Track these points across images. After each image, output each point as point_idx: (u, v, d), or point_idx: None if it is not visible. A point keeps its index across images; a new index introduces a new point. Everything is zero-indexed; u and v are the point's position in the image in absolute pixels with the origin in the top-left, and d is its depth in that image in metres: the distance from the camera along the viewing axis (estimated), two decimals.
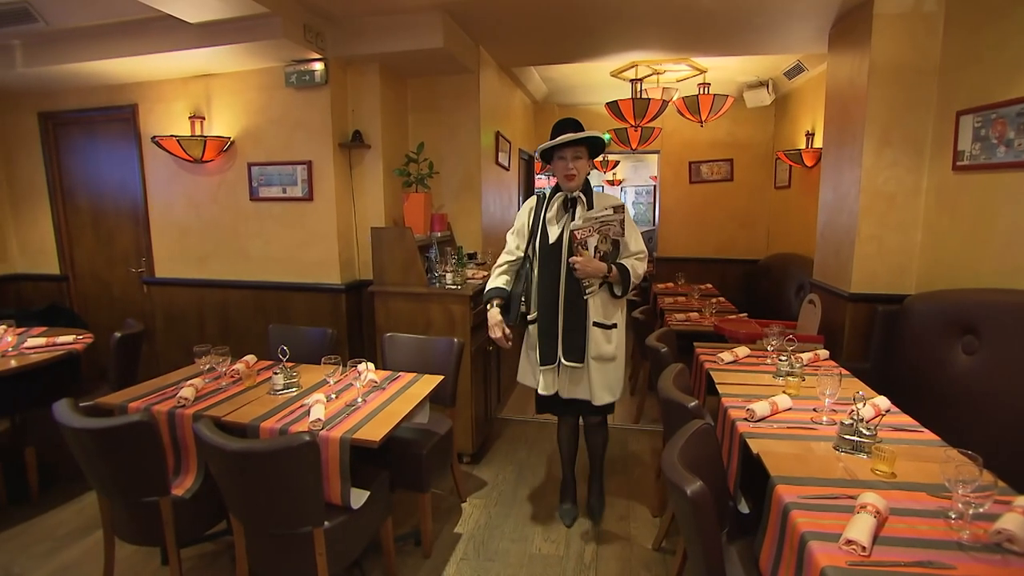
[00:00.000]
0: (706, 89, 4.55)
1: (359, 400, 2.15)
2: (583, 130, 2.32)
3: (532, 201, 2.51)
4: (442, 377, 2.44)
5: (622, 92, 5.05)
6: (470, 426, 3.17)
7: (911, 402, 2.14)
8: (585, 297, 2.31)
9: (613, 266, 2.28)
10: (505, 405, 4.22)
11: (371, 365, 2.40)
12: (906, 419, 1.92)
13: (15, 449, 2.96)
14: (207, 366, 2.41)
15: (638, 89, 4.70)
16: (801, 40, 3.81)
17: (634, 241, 2.36)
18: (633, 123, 4.63)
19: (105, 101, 3.86)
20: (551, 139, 2.32)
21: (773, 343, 2.55)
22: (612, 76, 4.97)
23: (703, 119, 4.44)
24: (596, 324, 2.34)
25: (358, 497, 1.96)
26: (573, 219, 2.31)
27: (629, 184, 11.96)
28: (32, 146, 4.09)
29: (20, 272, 4.27)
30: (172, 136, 3.44)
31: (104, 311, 4.12)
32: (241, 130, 3.55)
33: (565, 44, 3.93)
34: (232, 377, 2.39)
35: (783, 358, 2.31)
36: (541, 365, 2.38)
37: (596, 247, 2.25)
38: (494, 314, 2.41)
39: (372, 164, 3.54)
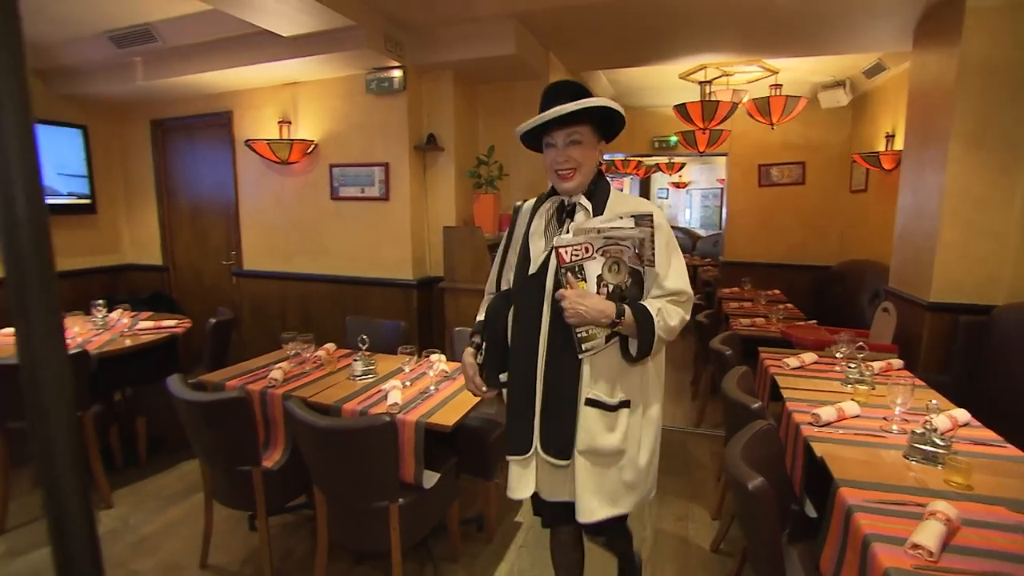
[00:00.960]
0: (778, 91, 4.45)
1: (432, 388, 2.29)
2: (585, 96, 1.44)
3: (526, 205, 1.69)
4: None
5: (690, 94, 5.01)
6: None
7: (995, 418, 2.05)
8: (580, 356, 1.45)
9: (628, 308, 1.42)
10: None
11: (443, 356, 2.54)
12: (988, 433, 1.85)
13: (127, 419, 3.30)
14: (293, 351, 2.63)
15: (707, 91, 4.66)
16: (883, 38, 3.68)
17: (673, 274, 1.48)
18: (701, 126, 4.59)
19: (204, 108, 4.24)
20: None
21: (842, 350, 2.50)
22: (681, 79, 4.95)
23: (774, 121, 4.34)
24: (591, 401, 1.48)
25: (430, 478, 2.10)
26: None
27: (696, 187, 11.73)
28: (144, 150, 4.54)
29: (131, 263, 4.75)
30: (263, 139, 3.74)
31: (197, 299, 4.51)
32: (324, 134, 3.81)
33: (634, 48, 3.96)
34: (315, 362, 2.60)
35: (852, 365, 2.27)
36: (509, 454, 1.59)
37: (601, 276, 1.43)
38: (467, 355, 1.72)
39: (444, 166, 3.71)
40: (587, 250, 1.41)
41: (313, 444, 1.93)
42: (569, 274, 1.41)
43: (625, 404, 1.50)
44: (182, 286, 4.63)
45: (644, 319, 1.41)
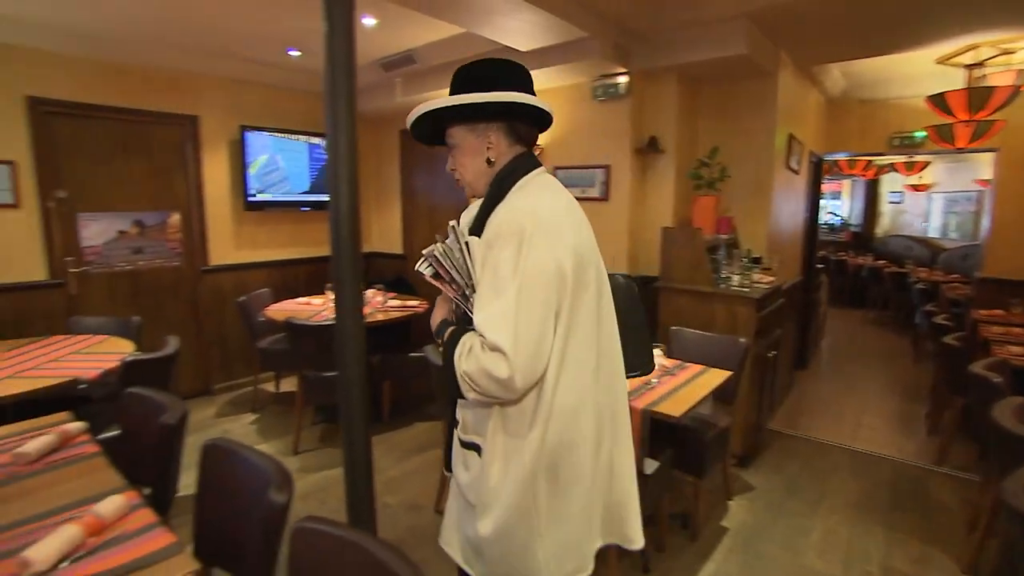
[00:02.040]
0: None
1: (653, 381, 2.40)
2: (459, 89, 1.25)
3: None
4: (730, 373, 2.55)
5: (948, 81, 4.34)
6: (742, 428, 3.18)
7: None
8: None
9: (447, 330, 1.26)
10: (774, 417, 4.07)
11: (661, 351, 2.63)
12: None
13: (375, 382, 3.97)
14: None
15: (975, 76, 4.00)
16: None
17: (482, 300, 1.16)
18: (964, 117, 3.96)
19: None
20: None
21: None
22: (939, 64, 4.31)
23: None
24: (458, 433, 1.33)
25: (650, 465, 2.21)
26: None
27: (939, 190, 10.00)
28: (393, 156, 5.37)
29: (376, 251, 5.65)
30: None
31: (429, 285, 5.18)
32: (550, 139, 4.12)
33: (881, 36, 3.58)
34: None
35: None
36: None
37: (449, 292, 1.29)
38: None
39: (664, 168, 3.77)
40: (426, 263, 1.27)
41: None
42: (434, 281, 1.28)
43: (473, 447, 1.26)
44: (417, 272, 5.37)
45: (447, 346, 1.20)
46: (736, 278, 3.21)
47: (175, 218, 4.27)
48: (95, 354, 2.84)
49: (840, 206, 11.79)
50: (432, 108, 1.25)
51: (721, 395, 2.66)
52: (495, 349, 1.09)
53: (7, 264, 3.53)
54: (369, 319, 3.61)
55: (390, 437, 3.75)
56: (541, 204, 1.19)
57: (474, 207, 1.32)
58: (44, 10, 3.27)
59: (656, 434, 2.22)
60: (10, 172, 3.49)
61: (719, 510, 2.90)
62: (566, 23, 3.14)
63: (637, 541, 1.35)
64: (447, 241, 1.23)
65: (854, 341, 7.02)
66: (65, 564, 1.20)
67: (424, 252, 1.26)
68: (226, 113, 4.37)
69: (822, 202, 6.03)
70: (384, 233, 5.62)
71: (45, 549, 1.20)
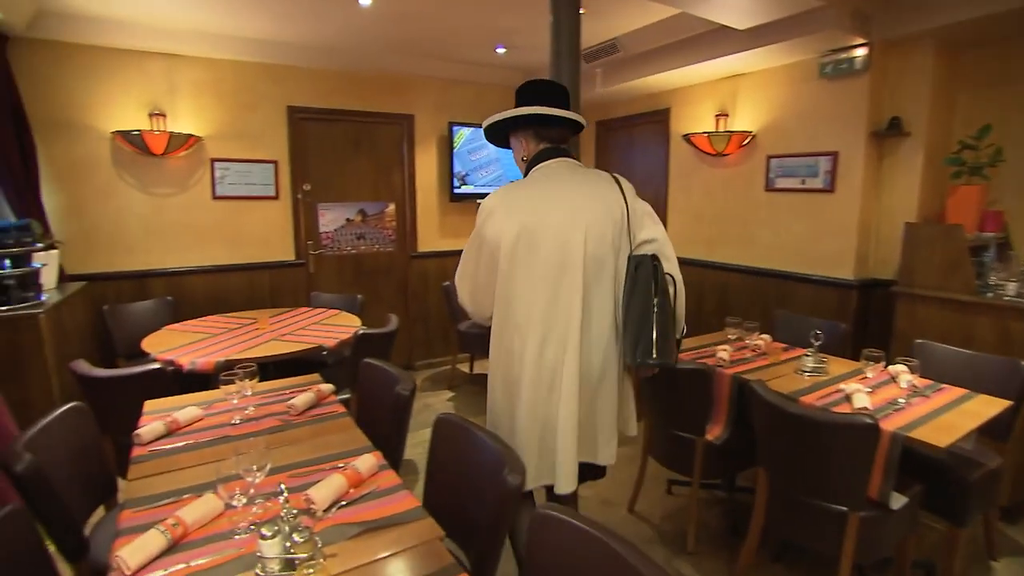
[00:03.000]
0: None
1: (901, 401, 2.04)
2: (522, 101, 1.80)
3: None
4: (1008, 403, 2.07)
5: None
6: (1014, 474, 2.58)
7: None
8: None
9: None
10: None
11: (907, 367, 2.23)
12: None
13: None
14: (735, 336, 2.71)
15: None
16: None
17: None
18: None
19: (644, 108, 4.70)
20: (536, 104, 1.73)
21: None
22: None
23: None
24: None
25: (897, 500, 1.89)
26: None
27: None
28: (589, 148, 5.35)
29: None
30: (703, 133, 3.93)
31: None
32: (763, 124, 3.76)
33: None
34: (755, 350, 2.62)
35: None
36: None
37: None
38: None
39: (908, 153, 3.21)
40: None
41: (776, 428, 1.95)
42: None
43: None
44: None
45: None
46: (1012, 286, 2.60)
47: (391, 208, 4.75)
48: (331, 326, 3.26)
49: None
50: (489, 122, 1.79)
51: (990, 429, 2.17)
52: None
53: (269, 246, 4.24)
54: None
55: None
56: (509, 190, 1.72)
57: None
58: (301, 34, 3.85)
59: (905, 463, 1.89)
60: (274, 170, 4.17)
61: (979, 570, 2.39)
62: None
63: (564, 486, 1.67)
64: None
65: None
66: (333, 510, 1.36)
67: None
68: (436, 111, 4.74)
69: None
70: None
71: (323, 492, 1.37)
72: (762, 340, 2.68)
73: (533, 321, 1.62)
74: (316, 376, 2.36)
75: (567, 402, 1.62)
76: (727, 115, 3.97)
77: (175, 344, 2.91)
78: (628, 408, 1.82)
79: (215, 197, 4.01)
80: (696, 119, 4.23)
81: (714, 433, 2.40)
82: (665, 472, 2.80)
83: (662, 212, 4.59)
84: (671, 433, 2.47)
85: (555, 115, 1.68)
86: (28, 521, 1.34)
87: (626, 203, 1.69)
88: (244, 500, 1.31)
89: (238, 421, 1.93)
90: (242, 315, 3.56)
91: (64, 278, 3.44)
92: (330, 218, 4.52)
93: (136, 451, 1.73)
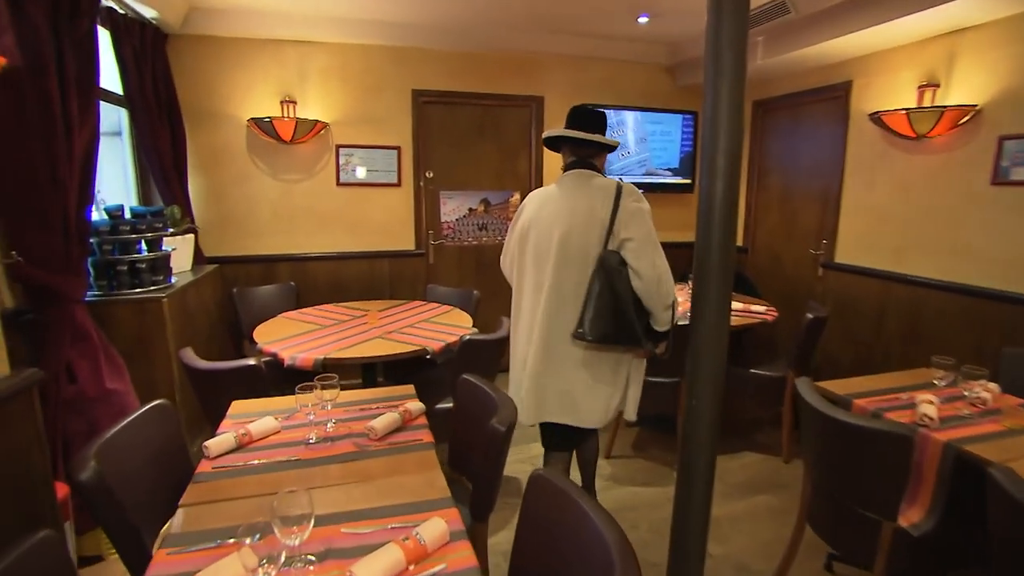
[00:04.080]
0: None
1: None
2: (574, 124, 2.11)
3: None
4: None
5: None
6: None
7: None
8: None
9: None
10: None
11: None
12: None
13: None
14: (943, 381, 2.01)
15: None
16: None
17: None
18: None
19: (816, 82, 3.89)
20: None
21: None
22: None
23: None
24: None
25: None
26: None
27: None
28: (745, 132, 4.59)
29: None
30: (900, 110, 3.09)
31: (773, 287, 4.33)
32: (993, 95, 2.85)
33: None
34: (977, 405, 1.90)
35: None
36: None
37: None
38: None
39: None
40: None
41: None
42: None
43: None
44: (758, 270, 4.55)
45: None
46: None
47: (515, 198, 4.44)
48: (441, 324, 3.03)
49: None
50: (547, 135, 2.15)
51: None
52: None
53: (389, 235, 4.15)
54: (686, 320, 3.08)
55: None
56: (534, 192, 2.22)
57: None
58: (427, 14, 3.64)
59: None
60: (397, 156, 4.05)
61: None
62: None
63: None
64: None
65: None
66: None
67: None
68: (568, 92, 4.32)
69: None
70: None
71: (371, 570, 1.07)
72: (988, 391, 1.94)
73: (526, 290, 2.15)
74: (409, 389, 2.11)
75: (535, 351, 2.07)
76: (937, 86, 3.07)
77: (284, 334, 2.85)
78: (631, 391, 2.13)
79: (339, 183, 3.98)
80: (890, 93, 3.36)
81: (911, 519, 1.76)
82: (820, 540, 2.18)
83: (831, 210, 3.76)
84: (844, 507, 1.87)
85: (585, 138, 2.05)
86: (60, 546, 1.20)
87: (616, 208, 1.95)
88: (272, 573, 1.04)
89: (313, 439, 1.72)
90: (354, 306, 3.48)
91: (201, 260, 3.59)
92: (452, 207, 4.33)
93: (201, 466, 1.58)
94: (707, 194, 1.22)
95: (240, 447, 1.68)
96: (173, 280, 2.92)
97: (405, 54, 3.96)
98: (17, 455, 1.58)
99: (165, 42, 3.44)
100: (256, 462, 1.60)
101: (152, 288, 2.72)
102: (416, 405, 1.89)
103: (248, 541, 1.02)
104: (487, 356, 2.70)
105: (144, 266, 2.71)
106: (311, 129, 3.71)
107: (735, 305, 3.39)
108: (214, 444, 1.64)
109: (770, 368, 3.20)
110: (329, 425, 1.80)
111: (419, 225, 4.21)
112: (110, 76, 3.02)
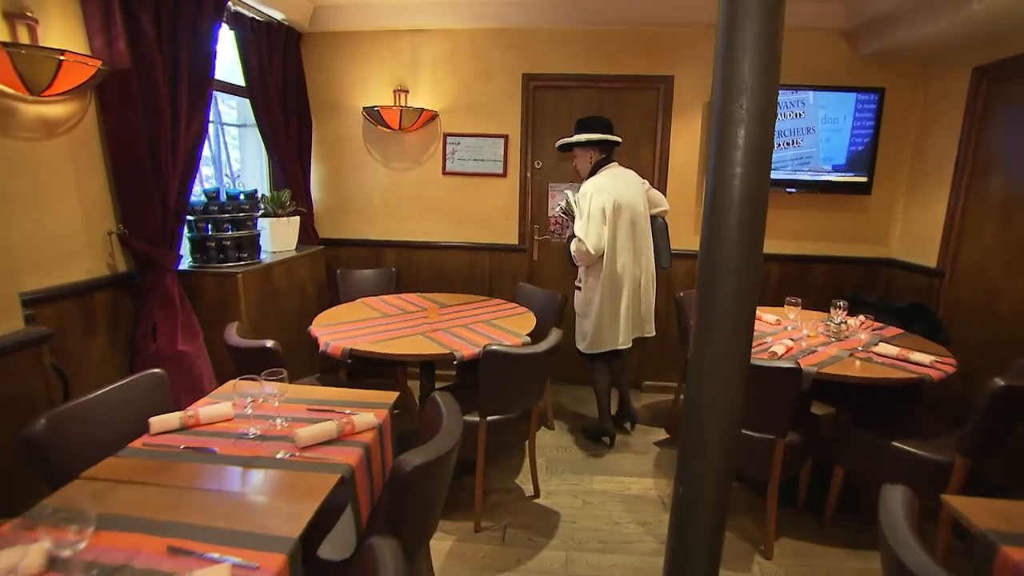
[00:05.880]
0: None
1: None
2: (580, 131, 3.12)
3: None
4: None
5: None
6: None
7: None
8: None
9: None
10: None
11: None
12: None
13: (825, 455, 2.61)
14: None
15: None
16: None
17: (578, 219, 3.00)
18: None
19: None
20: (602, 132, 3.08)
21: None
22: None
23: None
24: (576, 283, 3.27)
25: None
26: None
27: None
28: (951, 113, 3.39)
29: (896, 258, 3.85)
30: None
31: (981, 328, 3.11)
32: None
33: None
34: None
35: None
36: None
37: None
38: None
39: None
40: (563, 203, 3.14)
41: None
42: (564, 214, 3.15)
43: (578, 288, 3.21)
44: (959, 302, 3.32)
45: (567, 245, 3.09)
46: None
47: None
48: (499, 329, 2.78)
49: None
50: (567, 143, 3.15)
51: None
52: (580, 239, 2.94)
53: (492, 227, 3.99)
54: (833, 368, 2.31)
55: (814, 548, 2.41)
56: (597, 181, 3.03)
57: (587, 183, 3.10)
58: None
59: None
60: (503, 145, 3.85)
61: None
62: None
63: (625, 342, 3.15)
64: (567, 193, 3.14)
65: None
66: None
67: (560, 200, 3.34)
68: (705, 69, 3.65)
69: None
70: (911, 234, 3.75)
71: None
72: None
73: (625, 251, 3.03)
74: (389, 398, 1.90)
75: (645, 279, 3.15)
76: None
77: (340, 320, 2.88)
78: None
79: (445, 172, 3.93)
80: None
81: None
82: None
83: None
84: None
85: (616, 140, 3.11)
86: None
87: (645, 188, 3.20)
88: None
89: (251, 435, 1.62)
90: (429, 298, 3.40)
91: (315, 241, 3.85)
92: (560, 201, 3.99)
93: (135, 441, 1.58)
94: (714, 179, 1.11)
95: (184, 428, 1.65)
96: (263, 258, 3.14)
97: (516, 36, 3.72)
98: (22, 401, 1.76)
99: (299, 40, 3.73)
100: (180, 448, 1.55)
101: (235, 264, 2.95)
102: (364, 418, 1.67)
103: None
104: (516, 371, 2.36)
105: (230, 243, 2.94)
106: (418, 118, 3.71)
107: (886, 350, 2.50)
108: (157, 421, 1.64)
109: (930, 446, 2.28)
110: (280, 421, 1.69)
111: (524, 219, 3.97)
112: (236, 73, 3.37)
